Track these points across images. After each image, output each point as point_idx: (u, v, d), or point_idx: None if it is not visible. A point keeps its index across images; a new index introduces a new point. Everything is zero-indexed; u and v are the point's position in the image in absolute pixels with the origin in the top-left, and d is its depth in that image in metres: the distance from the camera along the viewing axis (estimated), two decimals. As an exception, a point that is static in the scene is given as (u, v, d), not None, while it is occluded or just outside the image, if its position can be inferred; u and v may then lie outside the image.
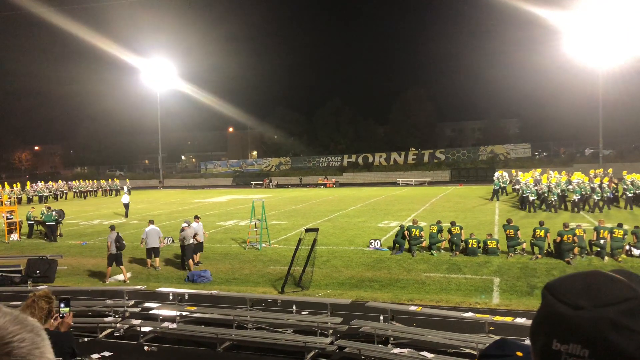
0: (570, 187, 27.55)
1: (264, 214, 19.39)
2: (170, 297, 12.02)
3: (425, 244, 17.08)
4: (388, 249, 17.51)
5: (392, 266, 15.45)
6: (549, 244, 15.82)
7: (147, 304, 11.49)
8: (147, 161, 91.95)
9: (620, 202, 27.89)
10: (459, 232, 16.60)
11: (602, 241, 15.35)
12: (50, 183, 50.53)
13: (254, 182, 63.14)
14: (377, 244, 17.95)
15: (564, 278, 0.92)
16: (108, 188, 51.94)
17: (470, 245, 16.09)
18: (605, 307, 0.82)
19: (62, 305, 3.57)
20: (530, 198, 26.61)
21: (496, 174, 36.47)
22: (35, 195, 46.01)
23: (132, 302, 11.56)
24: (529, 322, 1.13)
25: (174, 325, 10.34)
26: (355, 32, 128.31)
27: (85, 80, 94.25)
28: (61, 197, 48.57)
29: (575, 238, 14.96)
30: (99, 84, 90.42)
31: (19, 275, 15.72)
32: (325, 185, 57.67)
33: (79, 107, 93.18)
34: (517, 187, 31.70)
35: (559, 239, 15.14)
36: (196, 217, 17.73)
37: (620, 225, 15.60)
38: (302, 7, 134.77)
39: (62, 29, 57.81)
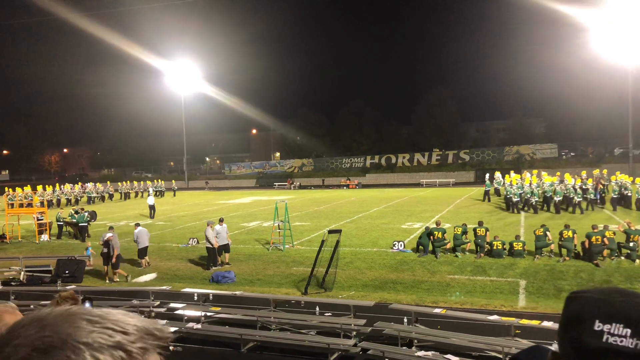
0: (558, 187, 27.29)
1: (287, 215, 19.46)
2: (195, 298, 12.16)
3: (449, 245, 16.91)
4: (412, 251, 17.40)
5: (416, 268, 15.34)
6: (575, 245, 15.53)
7: (172, 304, 11.66)
8: (172, 163, 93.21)
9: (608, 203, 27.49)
10: (483, 233, 16.40)
11: (631, 244, 14.99)
12: (97, 184, 51.65)
13: (277, 184, 63.41)
14: (401, 246, 17.85)
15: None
16: (154, 189, 52.89)
17: (495, 247, 15.88)
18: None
19: (86, 304, 3.59)
20: (514, 199, 26.99)
21: (487, 175, 36.65)
22: (83, 197, 47.06)
23: (158, 303, 11.74)
24: (556, 325, 1.20)
25: (199, 326, 10.46)
26: (377, 32, 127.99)
27: (111, 83, 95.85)
28: (109, 199, 49.33)
29: (605, 240, 14.66)
30: (125, 87, 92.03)
31: (49, 275, 16.12)
32: (348, 186, 57.53)
33: (106, 110, 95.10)
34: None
35: (587, 241, 14.85)
36: (220, 220, 17.89)
37: (651, 227, 15.21)
38: (324, 8, 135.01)
39: (89, 33, 59.06)
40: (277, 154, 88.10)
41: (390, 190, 50.31)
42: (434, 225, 17.48)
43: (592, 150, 61.15)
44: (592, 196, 26.93)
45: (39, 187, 42.08)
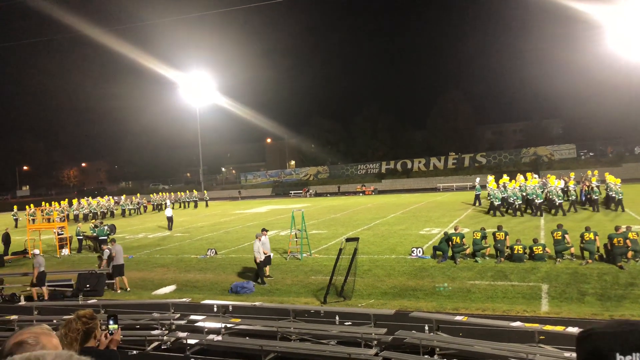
0: (540, 190, 27.43)
1: (303, 224, 19.46)
2: (215, 309, 12.17)
3: (469, 250, 16.73)
4: (430, 257, 17.25)
5: (435, 274, 15.19)
6: (598, 247, 15.24)
7: (192, 317, 11.69)
8: (189, 174, 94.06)
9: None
10: (503, 238, 16.18)
11: (656, 244, 14.66)
12: (132, 197, 52.27)
13: (292, 192, 63.54)
14: (419, 252, 17.70)
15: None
16: (187, 200, 53.34)
17: (515, 252, 15.66)
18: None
19: (110, 321, 3.57)
20: (495, 203, 27.43)
21: (477, 179, 36.52)
22: (117, 209, 47.68)
23: (178, 315, 11.77)
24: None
25: (219, 338, 10.46)
26: (389, 37, 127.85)
27: (127, 96, 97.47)
28: (144, 211, 49.65)
29: (627, 242, 14.37)
30: (141, 100, 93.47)
31: (71, 289, 16.30)
32: (364, 192, 57.43)
33: (122, 123, 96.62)
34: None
35: (609, 243, 14.58)
36: (264, 230, 17.02)
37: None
38: (337, 15, 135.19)
39: (105, 48, 59.94)
40: (292, 162, 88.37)
41: (406, 195, 50.07)
42: (453, 231, 17.32)
43: (611, 149, 60.23)
44: (573, 198, 27.41)
45: (75, 201, 43.06)
